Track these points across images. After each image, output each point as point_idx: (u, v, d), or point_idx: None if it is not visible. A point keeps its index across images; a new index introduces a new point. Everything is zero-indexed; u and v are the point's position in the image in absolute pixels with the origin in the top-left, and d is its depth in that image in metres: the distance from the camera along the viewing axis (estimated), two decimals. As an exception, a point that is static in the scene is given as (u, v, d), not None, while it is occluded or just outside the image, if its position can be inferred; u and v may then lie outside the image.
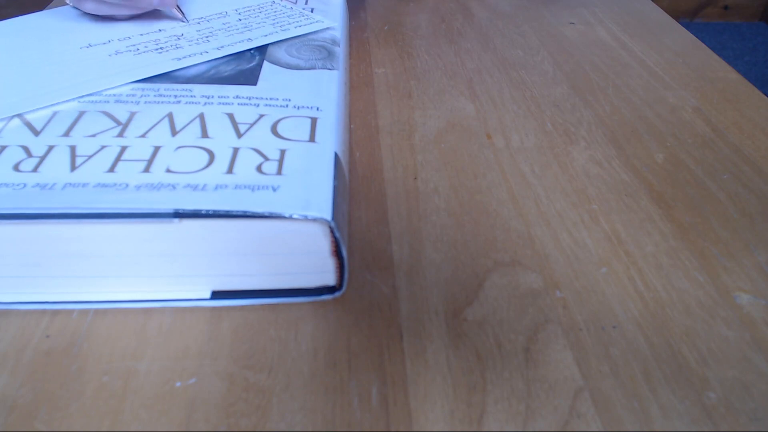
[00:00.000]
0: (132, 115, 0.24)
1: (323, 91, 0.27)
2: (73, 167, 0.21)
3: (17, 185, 0.20)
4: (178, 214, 0.19)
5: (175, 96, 0.26)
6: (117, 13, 0.32)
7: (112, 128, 0.23)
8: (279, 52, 0.30)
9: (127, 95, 0.26)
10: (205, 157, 0.22)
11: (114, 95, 0.26)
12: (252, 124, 0.24)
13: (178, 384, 0.19)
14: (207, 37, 0.31)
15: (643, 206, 0.27)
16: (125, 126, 0.23)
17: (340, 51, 0.32)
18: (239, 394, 0.19)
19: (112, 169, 0.21)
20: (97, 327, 0.21)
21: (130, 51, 0.30)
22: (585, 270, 0.23)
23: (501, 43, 0.43)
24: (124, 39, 0.31)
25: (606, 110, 0.34)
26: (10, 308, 0.21)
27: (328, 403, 0.19)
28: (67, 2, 0.33)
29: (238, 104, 0.25)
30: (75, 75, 0.27)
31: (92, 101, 0.25)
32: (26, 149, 0.22)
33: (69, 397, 0.18)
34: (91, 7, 0.32)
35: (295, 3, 0.37)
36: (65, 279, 0.21)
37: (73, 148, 0.22)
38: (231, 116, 0.24)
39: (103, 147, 0.22)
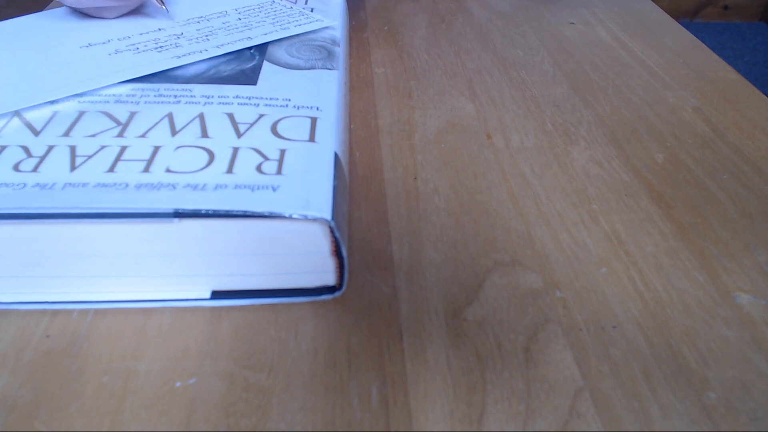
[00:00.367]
0: (132, 115, 0.24)
1: (323, 91, 0.27)
2: (73, 167, 0.21)
3: (17, 185, 0.20)
4: (178, 214, 0.19)
5: (175, 96, 0.26)
6: (99, 5, 0.32)
7: (112, 128, 0.23)
8: (279, 52, 0.30)
9: (127, 95, 0.26)
10: (205, 156, 0.22)
11: (114, 95, 0.26)
12: (252, 124, 0.24)
13: (178, 384, 0.19)
14: (207, 35, 0.31)
15: (643, 206, 0.27)
16: (125, 126, 0.23)
17: (340, 51, 0.32)
18: (239, 394, 0.19)
19: (112, 169, 0.21)
20: (97, 327, 0.21)
21: (130, 50, 0.30)
22: (585, 270, 0.23)
23: (501, 43, 0.43)
24: (124, 38, 0.31)
25: (606, 110, 0.34)
26: (10, 308, 0.21)
27: (328, 403, 0.19)
28: None
29: (238, 104, 0.25)
30: (75, 73, 0.27)
31: (92, 101, 0.25)
32: (26, 149, 0.22)
33: (69, 397, 0.18)
34: (73, 1, 0.32)
35: (295, 2, 0.37)
36: (65, 279, 0.21)
37: (73, 148, 0.22)
38: (231, 116, 0.24)
39: (103, 147, 0.22)
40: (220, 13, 0.35)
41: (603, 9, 0.49)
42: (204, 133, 0.23)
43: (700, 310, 0.22)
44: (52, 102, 0.25)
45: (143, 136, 0.23)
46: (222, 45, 0.30)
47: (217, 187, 0.20)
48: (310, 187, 0.20)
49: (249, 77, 0.28)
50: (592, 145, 0.31)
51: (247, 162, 0.21)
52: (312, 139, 0.23)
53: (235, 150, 0.22)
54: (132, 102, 0.25)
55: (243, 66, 0.29)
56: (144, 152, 0.22)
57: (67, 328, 0.21)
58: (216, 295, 0.21)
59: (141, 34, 0.32)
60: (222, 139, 0.23)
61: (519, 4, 0.50)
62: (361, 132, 0.32)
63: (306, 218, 0.19)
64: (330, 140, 0.23)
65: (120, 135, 0.23)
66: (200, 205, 0.19)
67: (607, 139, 0.32)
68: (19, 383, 0.19)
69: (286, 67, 0.29)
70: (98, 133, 0.23)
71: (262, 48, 0.31)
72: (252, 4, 0.36)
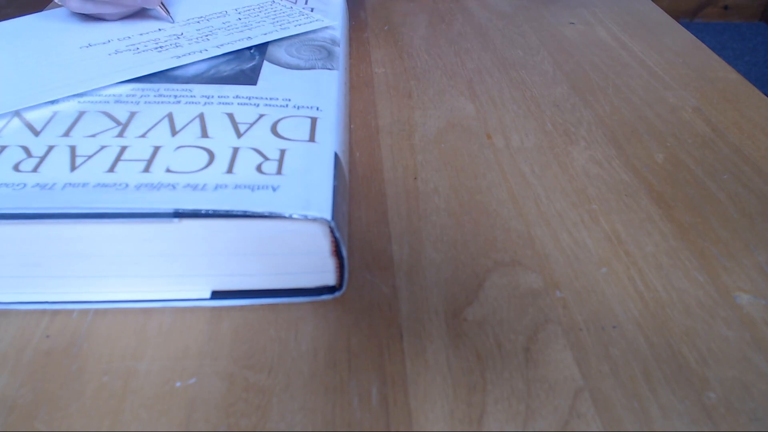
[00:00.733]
0: (132, 115, 0.24)
1: (323, 91, 0.27)
2: (73, 167, 0.21)
3: (17, 185, 0.20)
4: (178, 214, 0.19)
5: (175, 96, 0.26)
6: (102, 11, 0.32)
7: (112, 128, 0.23)
8: (279, 52, 0.30)
9: (127, 95, 0.26)
10: (205, 156, 0.22)
11: (114, 95, 0.26)
12: (252, 124, 0.24)
13: (178, 384, 0.19)
14: (207, 35, 0.31)
15: (643, 206, 0.27)
16: (125, 126, 0.23)
17: (340, 51, 0.32)
18: (239, 394, 0.19)
19: (112, 169, 0.21)
20: (97, 327, 0.21)
21: (130, 50, 0.30)
22: (585, 270, 0.23)
23: (501, 43, 0.43)
24: (124, 39, 0.31)
25: (606, 110, 0.34)
26: (10, 308, 0.21)
27: (328, 403, 0.19)
28: (56, 1, 0.33)
29: (238, 104, 0.25)
30: (75, 73, 0.27)
31: (92, 101, 0.25)
32: (26, 149, 0.22)
33: (69, 397, 0.18)
34: (76, 6, 0.32)
35: (295, 2, 0.37)
36: (65, 279, 0.21)
37: (73, 148, 0.22)
38: (231, 116, 0.24)
39: (103, 147, 0.22)
40: (220, 13, 0.35)
41: (603, 9, 0.49)
42: (204, 133, 0.23)
43: (700, 310, 0.22)
44: (52, 102, 0.25)
45: (143, 136, 0.23)
46: (222, 45, 0.30)
47: (217, 187, 0.20)
48: (310, 187, 0.20)
49: (249, 77, 0.28)
50: (592, 145, 0.31)
51: (247, 162, 0.21)
52: (312, 139, 0.23)
53: (235, 150, 0.22)
54: (132, 102, 0.25)
55: (243, 66, 0.29)
56: (144, 152, 0.22)
57: (67, 328, 0.21)
58: (216, 295, 0.21)
59: (141, 34, 0.32)
60: (222, 139, 0.23)
61: (519, 4, 0.50)
62: (361, 132, 0.32)
63: (306, 218, 0.19)
64: (330, 140, 0.23)
65: (120, 135, 0.23)
66: (200, 205, 0.19)
67: (607, 139, 0.32)
68: (19, 383, 0.19)
69: (286, 67, 0.29)
70: (98, 133, 0.23)
71: (262, 48, 0.31)
72: (252, 4, 0.36)
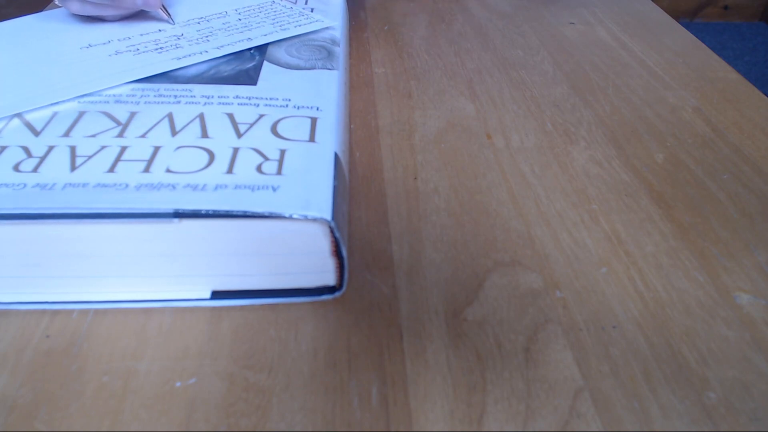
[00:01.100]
0: (132, 115, 0.24)
1: (323, 91, 0.27)
2: (73, 167, 0.21)
3: (17, 185, 0.20)
4: (178, 214, 0.19)
5: (175, 96, 0.26)
6: (102, 14, 0.32)
7: (112, 128, 0.23)
8: (279, 52, 0.30)
9: (127, 95, 0.26)
10: (205, 157, 0.22)
11: (114, 95, 0.26)
12: (252, 124, 0.24)
13: (178, 384, 0.19)
14: (207, 36, 0.31)
15: (643, 206, 0.27)
16: (125, 126, 0.24)
17: (340, 51, 0.32)
18: (239, 394, 0.19)
19: (112, 169, 0.21)
20: (97, 327, 0.21)
21: (130, 51, 0.30)
22: (585, 270, 0.23)
23: (501, 43, 0.43)
24: (124, 39, 0.31)
25: (606, 110, 0.34)
26: (10, 308, 0.21)
27: (328, 403, 0.19)
28: (56, 2, 0.33)
29: (238, 104, 0.25)
30: (75, 75, 0.27)
31: (92, 101, 0.25)
32: (26, 149, 0.22)
33: (69, 397, 0.18)
34: (76, 8, 0.32)
35: (295, 3, 0.37)
36: (65, 279, 0.21)
37: (73, 149, 0.22)
38: (231, 116, 0.24)
39: (103, 147, 0.22)
40: (220, 13, 0.35)
41: (603, 9, 0.49)
42: (204, 134, 0.23)
43: (700, 310, 0.22)
44: (52, 104, 0.25)
45: (143, 136, 0.23)
46: (222, 46, 0.30)
47: (217, 187, 0.20)
48: (310, 187, 0.20)
49: (249, 77, 0.28)
50: (592, 145, 0.31)
51: (247, 162, 0.21)
52: (312, 139, 0.23)
53: (235, 150, 0.22)
54: (132, 102, 0.25)
55: (243, 66, 0.29)
56: (144, 152, 0.22)
57: (67, 328, 0.21)
58: (216, 295, 0.21)
59: (141, 35, 0.32)
60: (222, 139, 0.23)
61: (519, 4, 0.50)
62: (361, 132, 0.32)
63: (306, 218, 0.19)
64: (330, 140, 0.23)
65: (120, 135, 0.23)
66: (200, 206, 0.19)
67: (607, 139, 0.32)
68: (19, 383, 0.19)
69: (286, 67, 0.29)
70: (98, 134, 0.23)
71: (262, 48, 0.31)
72: (252, 4, 0.36)
